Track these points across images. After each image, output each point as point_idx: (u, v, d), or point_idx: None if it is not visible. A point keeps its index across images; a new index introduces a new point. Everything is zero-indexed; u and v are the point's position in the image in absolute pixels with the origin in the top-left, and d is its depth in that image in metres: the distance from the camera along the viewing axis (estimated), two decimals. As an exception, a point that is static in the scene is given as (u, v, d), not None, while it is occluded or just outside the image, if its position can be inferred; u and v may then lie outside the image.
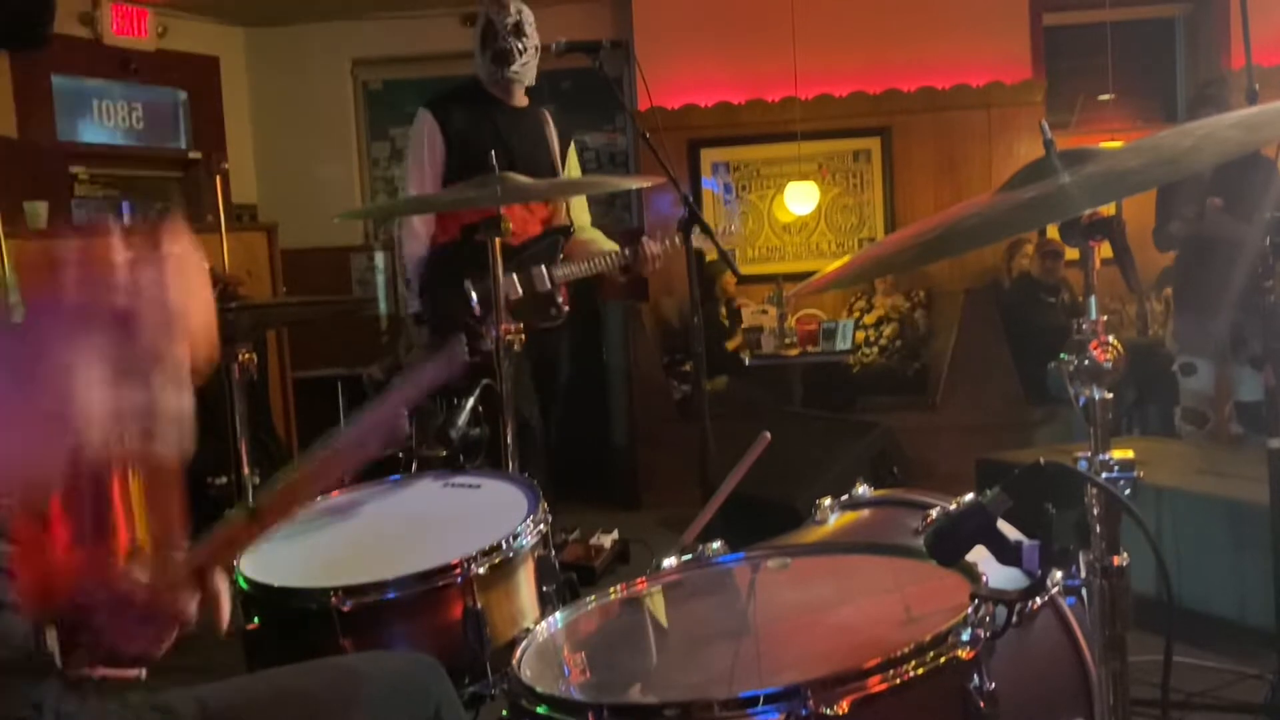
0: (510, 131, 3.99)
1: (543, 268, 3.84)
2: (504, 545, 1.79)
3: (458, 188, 3.31)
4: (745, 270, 6.85)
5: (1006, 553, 1.23)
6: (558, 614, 1.52)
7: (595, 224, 4.33)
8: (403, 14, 7.36)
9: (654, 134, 3.19)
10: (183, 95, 7.27)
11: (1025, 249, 6.61)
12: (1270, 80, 3.86)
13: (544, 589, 1.87)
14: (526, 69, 4.02)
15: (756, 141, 7.15)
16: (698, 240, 3.24)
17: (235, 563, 1.78)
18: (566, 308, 3.90)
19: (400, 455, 3.77)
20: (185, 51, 7.13)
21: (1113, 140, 6.06)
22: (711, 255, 5.34)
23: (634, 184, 5.18)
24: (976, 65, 6.99)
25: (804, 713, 1.14)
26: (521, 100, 4.12)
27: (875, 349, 6.79)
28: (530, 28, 4.00)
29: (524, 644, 1.43)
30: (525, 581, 1.83)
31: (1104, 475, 1.27)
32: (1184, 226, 4.49)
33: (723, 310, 6.71)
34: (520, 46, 3.95)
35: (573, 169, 4.23)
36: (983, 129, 7.01)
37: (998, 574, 1.28)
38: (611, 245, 4.00)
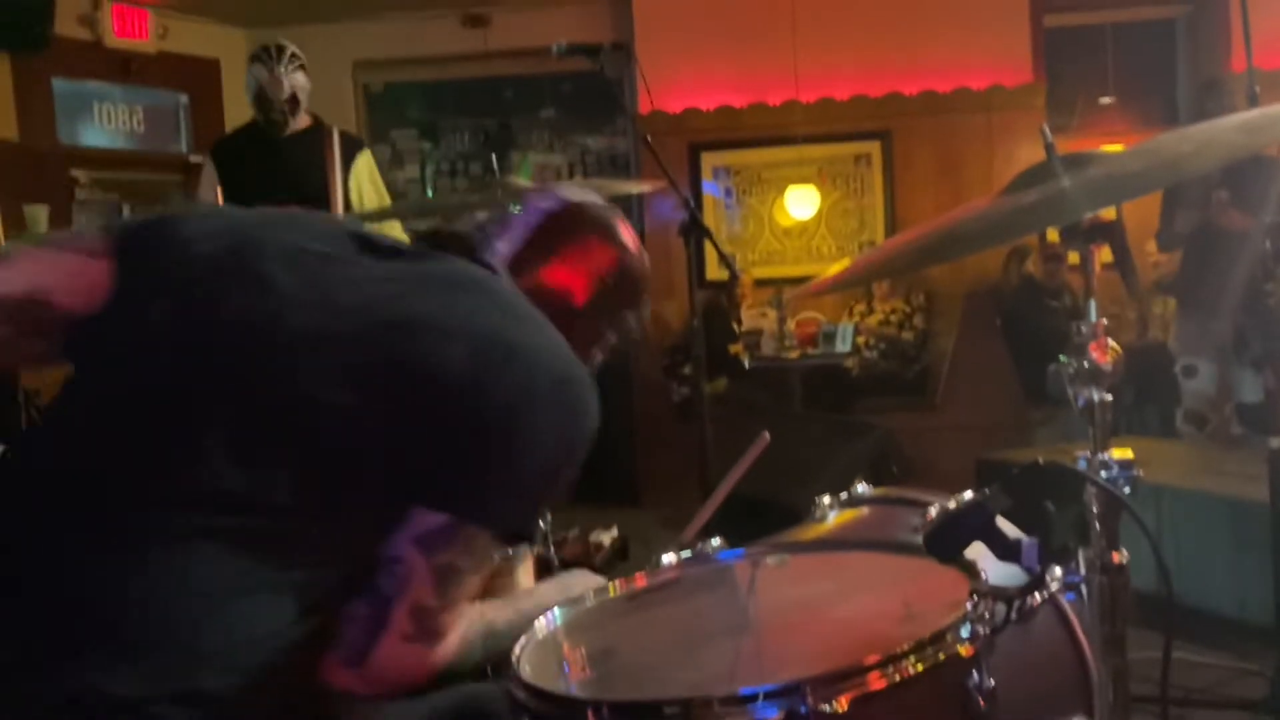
0: (279, 158, 4.08)
1: None
2: (503, 544, 1.79)
3: (462, 191, 3.30)
4: (742, 273, 6.86)
5: (1006, 549, 1.24)
6: (556, 611, 1.52)
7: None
8: (404, 16, 7.36)
9: (655, 138, 3.18)
10: (184, 98, 7.28)
11: (1031, 255, 6.60)
12: (1272, 83, 3.85)
13: (543, 588, 1.87)
14: (299, 118, 4.17)
15: (757, 145, 7.16)
16: None
17: None
18: None
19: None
20: (186, 54, 7.13)
21: (1113, 143, 6.07)
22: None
23: (634, 188, 5.17)
24: (977, 68, 6.99)
25: (803, 710, 1.14)
26: (299, 125, 4.19)
27: (875, 351, 6.79)
28: (303, 93, 4.14)
29: (523, 641, 1.43)
30: (524, 579, 1.83)
31: (1103, 474, 1.27)
32: (1189, 220, 4.49)
33: (735, 319, 6.72)
34: (292, 113, 4.13)
35: (361, 180, 4.16)
36: (983, 132, 7.01)
37: (997, 571, 1.28)
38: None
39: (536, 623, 1.48)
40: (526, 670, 1.34)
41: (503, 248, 1.48)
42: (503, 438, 1.30)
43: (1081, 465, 1.29)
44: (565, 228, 1.54)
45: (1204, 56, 7.11)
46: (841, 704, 1.15)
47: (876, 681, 1.18)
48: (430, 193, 7.73)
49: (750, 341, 6.63)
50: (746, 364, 6.41)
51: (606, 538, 4.72)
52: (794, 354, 6.52)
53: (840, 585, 1.53)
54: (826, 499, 1.77)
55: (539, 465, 1.34)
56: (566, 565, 1.89)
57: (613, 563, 4.65)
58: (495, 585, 1.73)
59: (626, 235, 1.60)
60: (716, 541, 1.65)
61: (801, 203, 7.00)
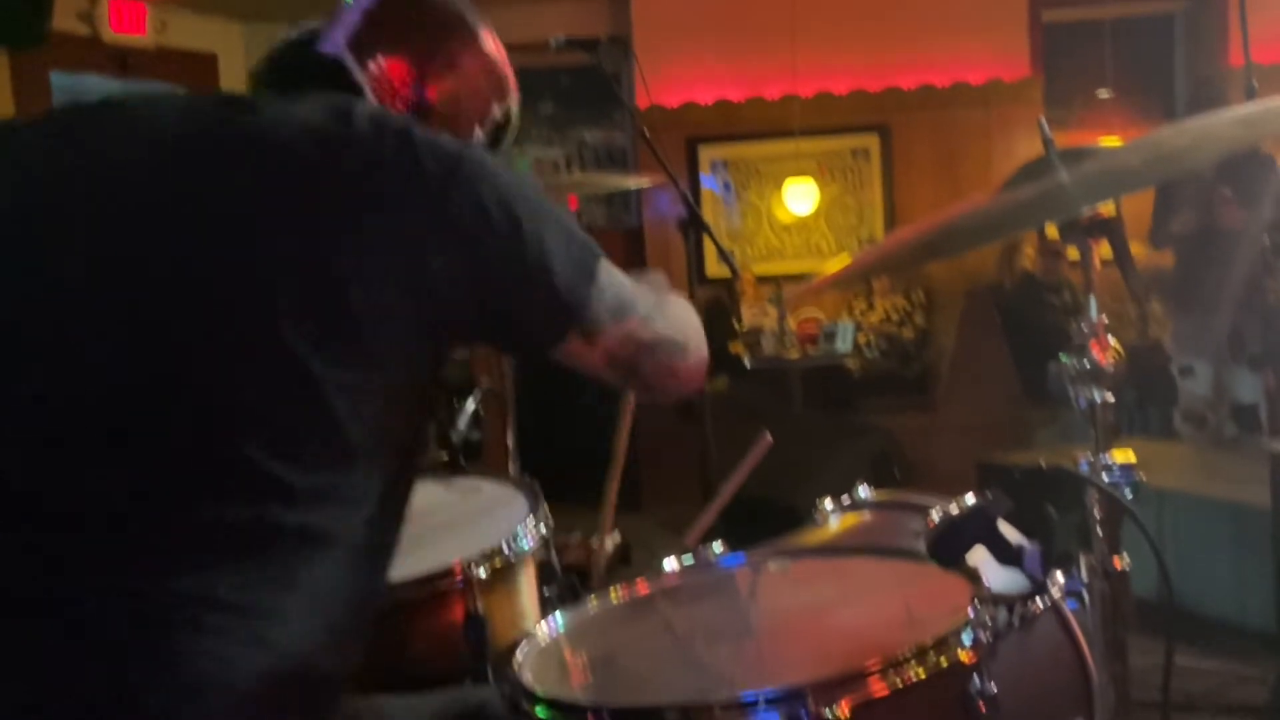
0: None
1: None
2: (505, 548, 1.78)
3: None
4: (742, 269, 6.84)
5: (1008, 554, 1.23)
6: (558, 616, 1.52)
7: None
8: (401, 12, 7.34)
9: (653, 132, 3.16)
10: (181, 91, 7.26)
11: (1025, 249, 6.59)
12: (1269, 78, 3.84)
13: (545, 592, 1.86)
14: None
15: (755, 138, 7.14)
16: None
17: None
18: None
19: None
20: (183, 49, 7.12)
21: (1111, 138, 6.06)
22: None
23: (633, 183, 5.16)
24: (976, 63, 6.98)
25: (804, 715, 1.14)
26: None
27: (876, 351, 6.78)
28: None
29: (525, 646, 1.42)
30: (526, 584, 1.82)
31: (1105, 477, 1.26)
32: (1189, 221, 4.48)
33: (736, 318, 6.69)
34: None
35: None
36: (982, 127, 7.00)
37: (998, 576, 1.28)
38: None
39: (538, 628, 1.47)
40: (528, 675, 1.33)
41: (340, 38, 1.37)
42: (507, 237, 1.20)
43: (1083, 468, 1.28)
44: (407, 11, 1.38)
45: (1202, 51, 7.10)
46: (843, 709, 1.15)
47: (878, 687, 1.17)
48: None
49: (750, 340, 6.61)
50: (747, 364, 6.40)
51: (609, 542, 4.69)
52: (794, 354, 6.51)
53: (842, 590, 1.52)
54: (828, 502, 1.77)
55: (554, 223, 1.24)
56: (568, 571, 1.89)
57: (615, 568, 4.63)
58: (496, 593, 1.72)
59: (477, 18, 1.40)
60: (719, 546, 1.65)
61: (800, 198, 6.98)
